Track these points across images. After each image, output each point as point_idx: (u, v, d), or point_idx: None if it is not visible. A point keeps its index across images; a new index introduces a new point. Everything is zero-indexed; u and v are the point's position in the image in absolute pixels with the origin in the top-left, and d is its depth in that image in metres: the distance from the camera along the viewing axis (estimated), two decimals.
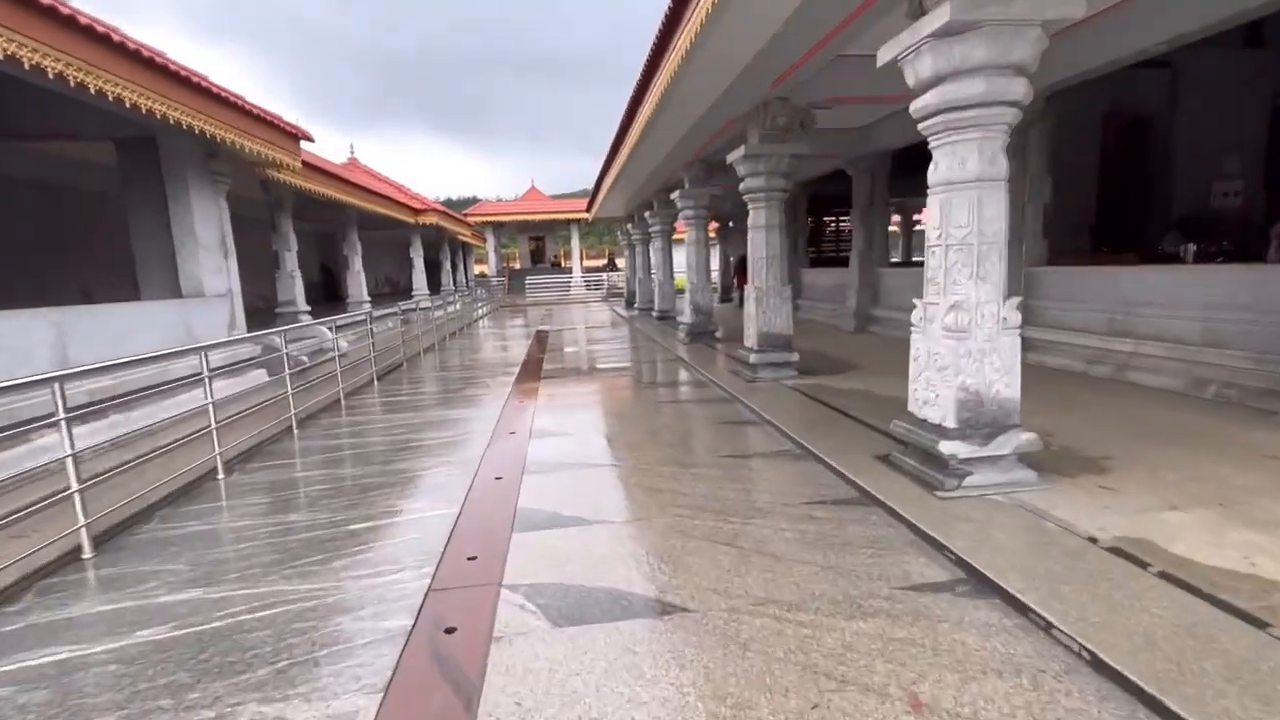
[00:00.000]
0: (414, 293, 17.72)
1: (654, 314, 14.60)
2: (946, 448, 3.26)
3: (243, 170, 7.80)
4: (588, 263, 36.36)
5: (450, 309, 15.57)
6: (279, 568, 2.99)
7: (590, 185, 23.62)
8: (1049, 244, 7.30)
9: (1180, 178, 9.06)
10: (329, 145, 19.85)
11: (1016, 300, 3.25)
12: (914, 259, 35.96)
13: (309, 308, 10.39)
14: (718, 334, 10.50)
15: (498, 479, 4.24)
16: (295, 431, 5.62)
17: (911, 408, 3.63)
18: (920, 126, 3.37)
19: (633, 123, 7.72)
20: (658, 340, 11.06)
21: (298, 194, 9.78)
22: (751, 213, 6.83)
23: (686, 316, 10.57)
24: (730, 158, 6.88)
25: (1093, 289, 6.22)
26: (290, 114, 13.91)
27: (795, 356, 6.78)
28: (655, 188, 13.12)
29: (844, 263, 16.26)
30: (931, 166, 3.35)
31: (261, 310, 15.49)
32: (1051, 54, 3.31)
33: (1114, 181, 9.58)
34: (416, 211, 16.97)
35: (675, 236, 14.93)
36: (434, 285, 21.99)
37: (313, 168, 9.18)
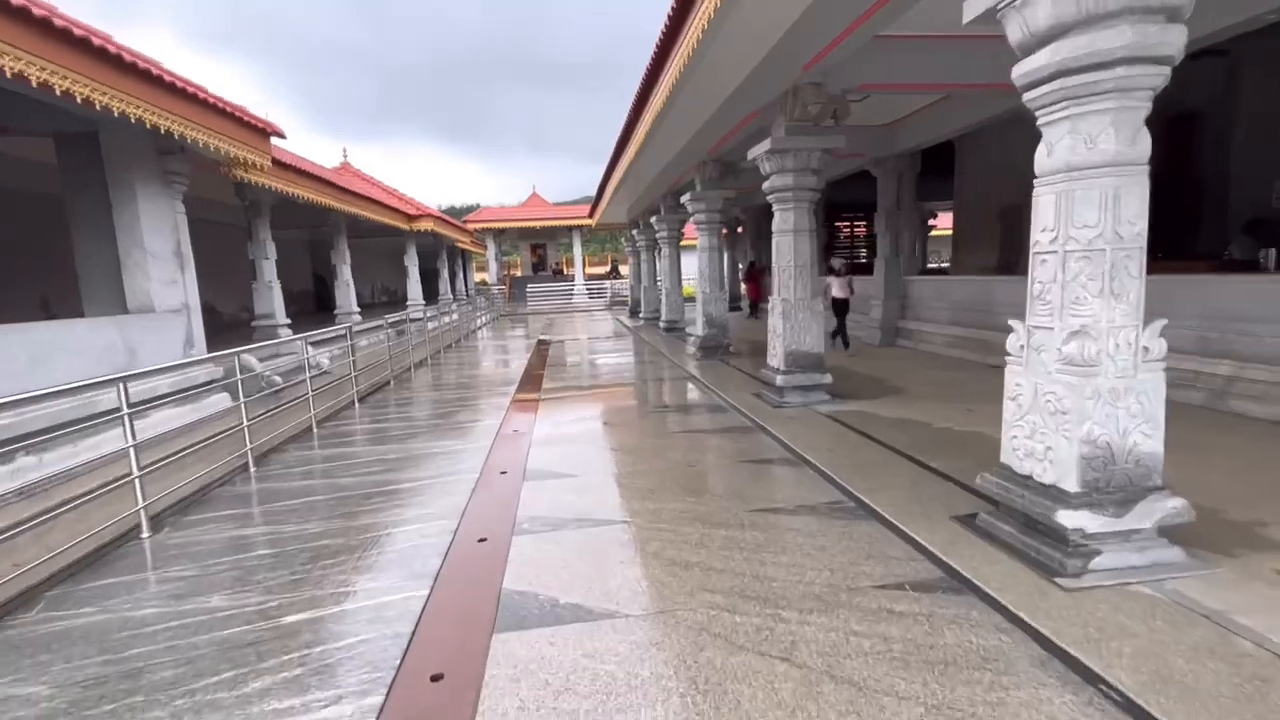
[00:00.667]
0: (409, 302, 16.89)
1: (661, 324, 13.84)
2: (1068, 519, 2.44)
3: (210, 171, 7.13)
4: (590, 270, 35.53)
5: (447, 319, 14.69)
6: (169, 693, 2.18)
7: (592, 193, 22.34)
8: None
9: (1238, 177, 8.32)
10: (331, 153, 19.16)
11: (1160, 324, 2.46)
12: (929, 266, 35.48)
13: (289, 321, 9.63)
14: (732, 348, 9.75)
15: (481, 541, 3.42)
16: (252, 469, 4.82)
17: (1007, 459, 2.80)
18: (1028, 97, 2.57)
19: (642, 113, 6.93)
20: (667, 354, 10.26)
21: (278, 198, 9.06)
22: (778, 215, 6.05)
23: (698, 329, 9.78)
24: (753, 153, 6.13)
25: (1176, 302, 5.32)
26: (292, 123, 13.23)
27: (828, 378, 5.98)
28: (663, 190, 12.41)
29: (867, 270, 15.56)
30: (1041, 150, 2.56)
31: (245, 324, 14.29)
32: None
33: (1162, 182, 8.86)
34: (411, 218, 16.22)
35: (683, 242, 14.20)
36: (432, 294, 21.20)
37: (292, 169, 8.46)
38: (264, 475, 4.79)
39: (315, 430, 6.01)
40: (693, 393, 7.40)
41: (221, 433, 5.23)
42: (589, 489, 4.15)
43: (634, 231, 17.64)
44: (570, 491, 4.12)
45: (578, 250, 28.67)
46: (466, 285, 34.58)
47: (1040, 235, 2.59)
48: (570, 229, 28.33)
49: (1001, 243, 10.59)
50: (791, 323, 6.00)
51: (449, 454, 5.15)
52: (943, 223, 30.37)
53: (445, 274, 21.87)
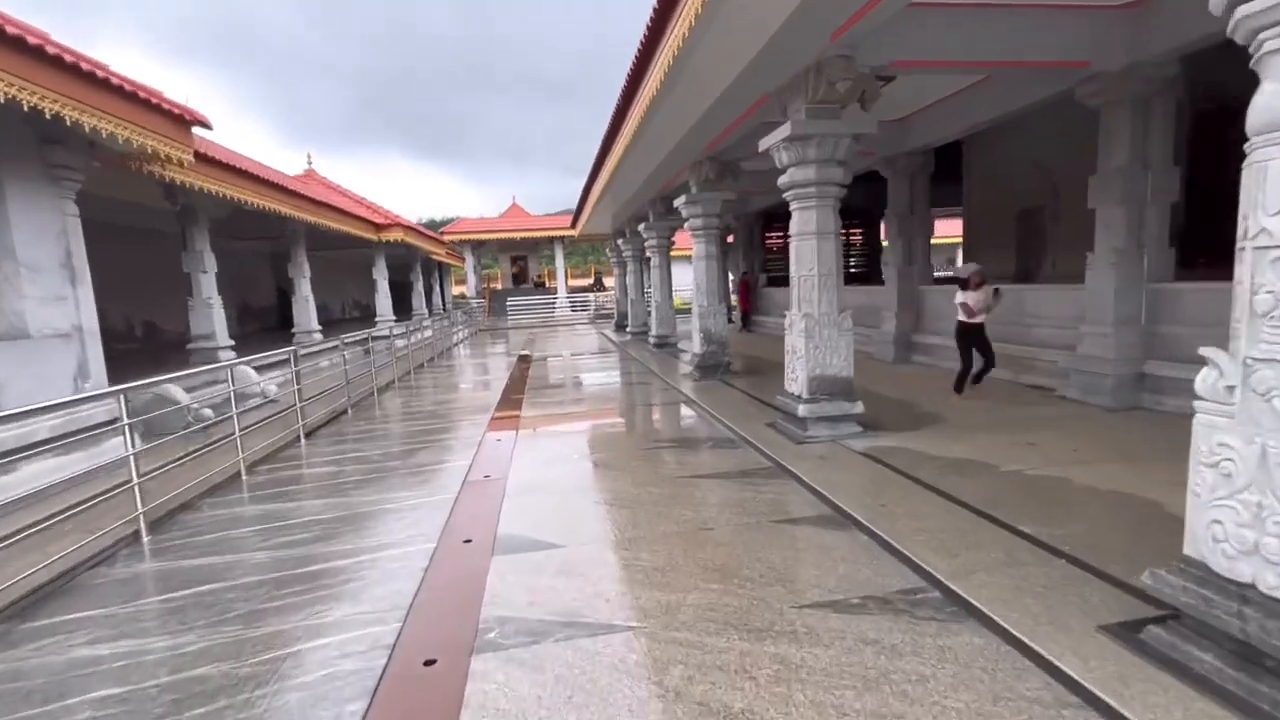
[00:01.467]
0: (377, 318, 15.68)
1: (650, 339, 12.75)
2: None
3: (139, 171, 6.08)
4: (573, 282, 34.43)
5: (421, 335, 13.62)
6: None
7: (573, 205, 21.00)
8: (1177, 254, 5.82)
9: None
10: (300, 164, 18.07)
11: None
12: (939, 276, 34.37)
13: (231, 343, 8.48)
14: (733, 367, 8.78)
15: (428, 665, 2.38)
16: (145, 540, 3.72)
17: (1201, 552, 1.88)
18: (1245, 12, 1.67)
19: (633, 102, 6.03)
20: (659, 374, 9.28)
21: (227, 205, 7.97)
22: (797, 215, 5.13)
23: (695, 345, 8.83)
24: (766, 142, 5.24)
25: None
26: (266, 136, 12.31)
27: (859, 407, 5.04)
28: (652, 194, 11.44)
29: (864, 279, 14.98)
30: (1269, 92, 1.67)
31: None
32: None
33: (1200, 181, 8.26)
34: (379, 227, 15.22)
35: (672, 252, 13.30)
36: (407, 309, 20.13)
37: (230, 168, 7.40)
38: (159, 548, 3.69)
39: (244, 478, 4.91)
40: (695, 422, 6.41)
41: (114, 489, 4.01)
42: (578, 568, 3.13)
43: (620, 241, 16.63)
44: (554, 572, 3.10)
45: (560, 262, 27.66)
46: (444, 299, 33.06)
47: (1271, 221, 1.68)
48: (552, 240, 27.28)
49: (1019, 247, 9.83)
50: (815, 342, 5.05)
51: (402, 511, 4.10)
52: (940, 229, 30.04)
53: (420, 287, 20.64)
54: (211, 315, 8.19)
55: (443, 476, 4.85)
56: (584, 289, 33.15)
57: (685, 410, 7.05)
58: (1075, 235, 7.34)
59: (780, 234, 16.43)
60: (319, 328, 11.92)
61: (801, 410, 4.98)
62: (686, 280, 17.46)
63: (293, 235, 11.31)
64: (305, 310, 11.84)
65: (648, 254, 12.77)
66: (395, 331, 13.32)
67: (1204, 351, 1.90)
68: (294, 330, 11.83)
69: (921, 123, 8.38)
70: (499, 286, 35.09)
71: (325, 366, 10.65)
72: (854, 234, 16.07)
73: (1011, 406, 5.88)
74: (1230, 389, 1.82)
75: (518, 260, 35.05)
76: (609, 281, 39.19)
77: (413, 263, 19.46)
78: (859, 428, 5.04)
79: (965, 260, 11.91)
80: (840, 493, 3.76)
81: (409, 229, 16.14)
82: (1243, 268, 1.78)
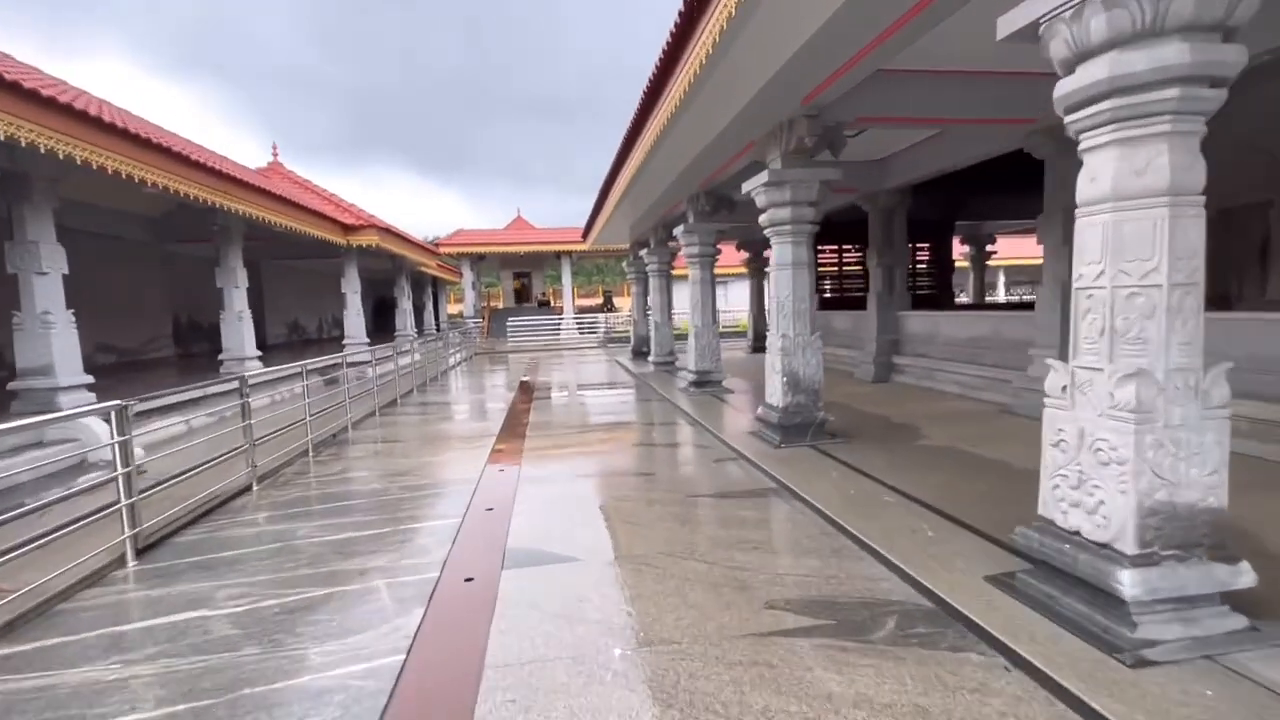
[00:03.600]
0: (346, 340, 12.96)
1: (687, 375, 9.54)
2: (1126, 582, 2.19)
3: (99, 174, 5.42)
4: (580, 302, 32.57)
5: (406, 361, 11.19)
6: None
7: (578, 223, 20.04)
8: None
9: None
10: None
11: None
12: (1003, 299, 32.98)
13: (89, 380, 6.19)
14: (828, 419, 5.76)
15: None
16: None
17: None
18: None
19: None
20: (714, 432, 6.32)
21: (115, 185, 6.11)
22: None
23: (776, 396, 5.78)
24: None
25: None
26: (263, 150, 12.10)
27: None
28: (694, 188, 9.50)
29: (932, 303, 12.89)
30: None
31: (145, 364, 11.04)
32: None
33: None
34: (348, 228, 12.25)
35: (720, 269, 12.15)
36: (390, 328, 18.31)
37: (77, 116, 5.24)
38: None
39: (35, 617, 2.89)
40: (820, 543, 3.50)
41: None
42: None
43: (643, 252, 13.38)
44: None
45: (566, 279, 25.82)
46: (437, 318, 30.22)
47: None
48: (558, 255, 25.35)
49: (1214, 259, 7.70)
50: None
51: (316, 698, 2.25)
52: (1012, 249, 26.85)
53: (405, 304, 17.61)
54: (49, 341, 5.81)
55: (396, 604, 2.97)
56: (592, 309, 31.65)
57: (788, 510, 4.11)
58: None
59: (835, 248, 13.97)
60: (256, 354, 9.33)
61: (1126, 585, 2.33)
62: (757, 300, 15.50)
63: (221, 233, 8.92)
64: (238, 332, 9.05)
65: (692, 265, 9.44)
66: (363, 357, 11.02)
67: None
68: (223, 357, 9.12)
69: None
70: (500, 305, 33.51)
71: (261, 407, 8.33)
72: (920, 249, 13.49)
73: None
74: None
75: (520, 277, 33.81)
76: (621, 302, 37.37)
77: (397, 276, 17.36)
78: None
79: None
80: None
81: (386, 232, 13.67)
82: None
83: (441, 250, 24.03)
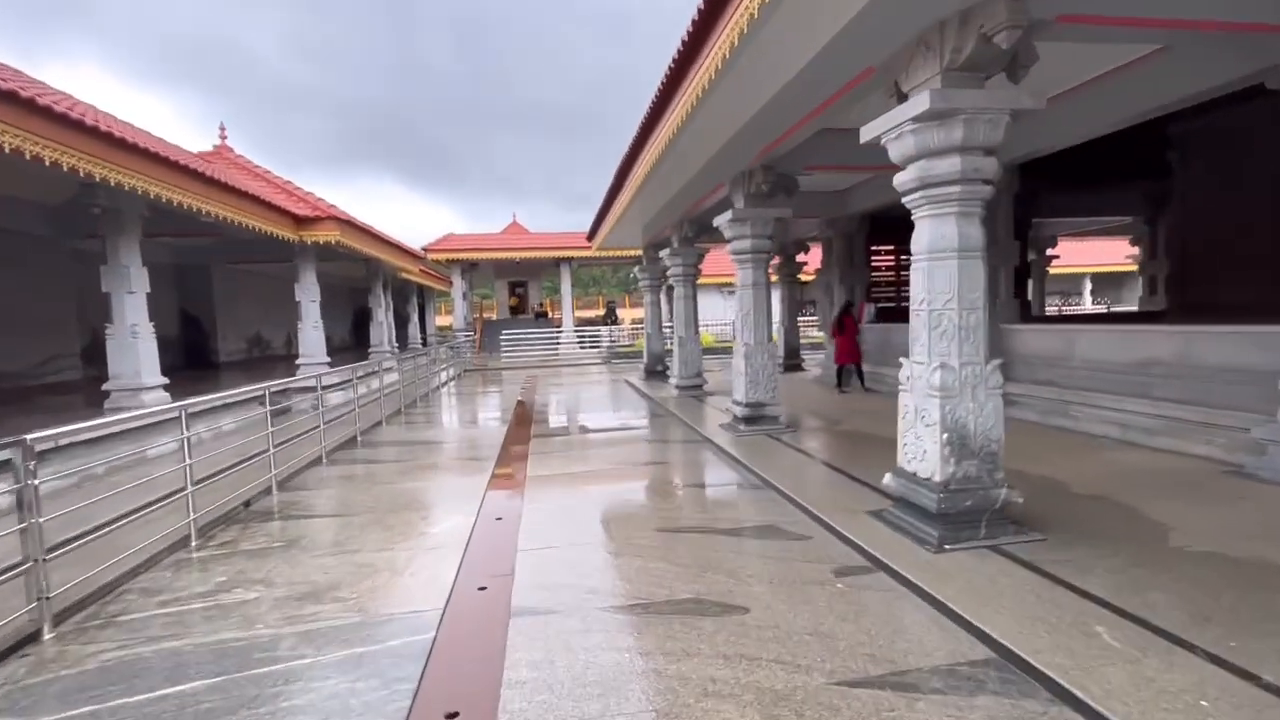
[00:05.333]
0: (300, 359, 11.87)
1: (738, 407, 7.87)
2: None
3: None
4: (579, 314, 32.30)
5: (380, 382, 10.42)
6: None
7: (580, 235, 19.47)
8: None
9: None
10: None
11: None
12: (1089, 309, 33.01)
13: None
14: (1012, 498, 3.97)
15: None
16: None
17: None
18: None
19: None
20: (848, 536, 4.25)
21: None
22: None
23: (934, 468, 3.96)
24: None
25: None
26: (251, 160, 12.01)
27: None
28: (693, 201, 10.13)
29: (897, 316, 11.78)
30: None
31: (42, 390, 9.73)
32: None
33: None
34: (301, 221, 10.77)
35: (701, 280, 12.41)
36: (366, 341, 17.65)
37: None
38: None
39: None
40: None
41: None
42: None
43: (664, 254, 11.97)
44: None
45: (566, 288, 25.46)
46: (424, 331, 29.70)
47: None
48: (558, 263, 25.02)
49: None
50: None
51: None
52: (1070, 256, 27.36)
53: (383, 315, 16.55)
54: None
55: None
56: (593, 322, 31.77)
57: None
58: None
59: (893, 246, 12.92)
60: (158, 382, 7.90)
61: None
62: (715, 313, 16.41)
63: (107, 218, 7.42)
64: (131, 352, 7.61)
65: (743, 264, 7.79)
66: (332, 381, 10.19)
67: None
68: (109, 386, 7.74)
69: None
70: (494, 316, 33.78)
71: (167, 454, 6.96)
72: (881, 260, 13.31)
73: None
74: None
75: (516, 287, 34.27)
76: (625, 314, 37.77)
77: (373, 282, 16.52)
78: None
79: (1151, 293, 11.32)
80: None
81: (349, 225, 12.00)
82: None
83: (430, 256, 23.56)
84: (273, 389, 6.22)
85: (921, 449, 4.01)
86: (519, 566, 4.01)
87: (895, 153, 4.02)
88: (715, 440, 7.46)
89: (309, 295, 11.99)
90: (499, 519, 5.10)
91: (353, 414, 8.91)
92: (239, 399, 7.72)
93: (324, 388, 8.16)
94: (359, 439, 8.63)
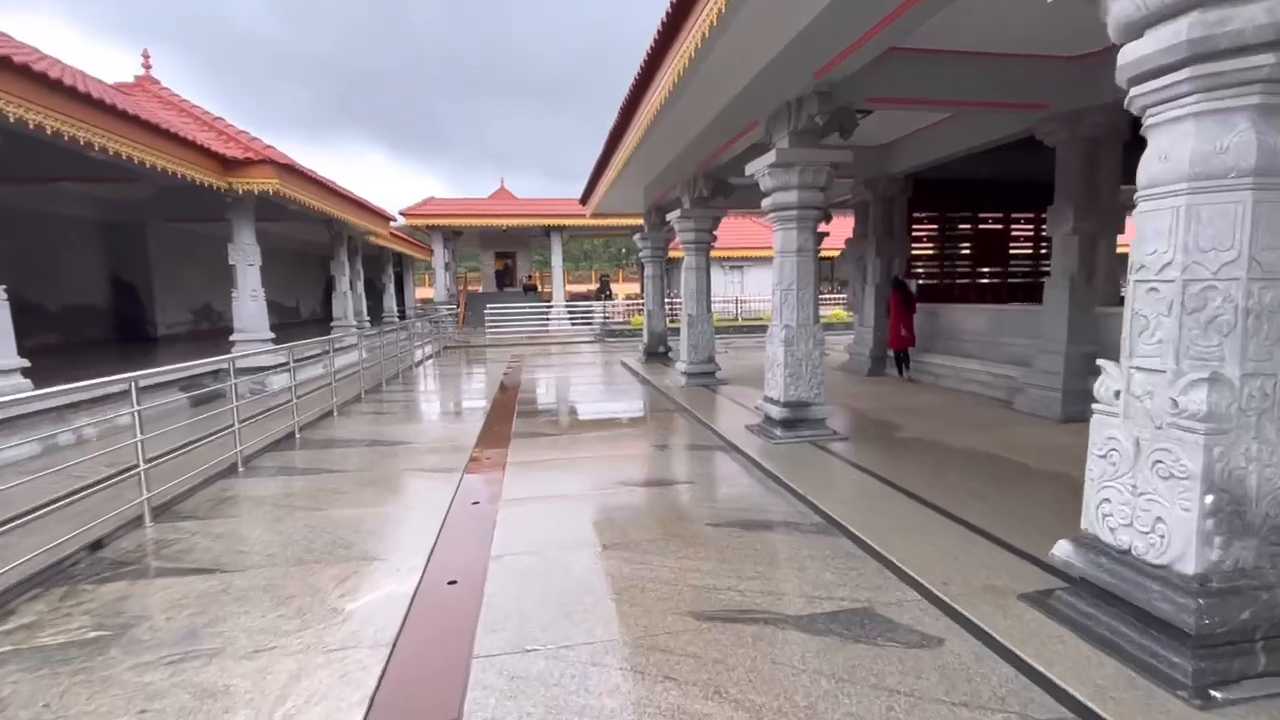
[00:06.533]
0: (235, 335, 9.98)
1: (774, 407, 6.22)
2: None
3: None
4: (571, 288, 31.15)
5: (331, 365, 8.63)
6: None
7: (570, 204, 20.04)
8: None
9: None
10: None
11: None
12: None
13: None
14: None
15: None
16: None
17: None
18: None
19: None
20: (1022, 658, 2.54)
21: None
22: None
23: (1186, 555, 2.30)
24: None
25: None
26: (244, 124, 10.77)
27: None
28: (712, 150, 8.41)
29: (1031, 294, 10.41)
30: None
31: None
32: None
33: None
34: (228, 165, 8.87)
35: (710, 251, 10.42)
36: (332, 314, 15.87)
37: None
38: None
39: None
40: None
41: None
42: None
43: (673, 216, 10.40)
44: None
45: (557, 260, 23.76)
46: (402, 304, 28.36)
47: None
48: (548, 232, 23.67)
49: None
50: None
51: None
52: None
53: (346, 285, 14.90)
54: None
55: None
56: (586, 297, 30.26)
57: None
58: None
59: (938, 213, 11.02)
60: (17, 364, 6.27)
61: None
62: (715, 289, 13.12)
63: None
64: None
65: (785, 222, 6.06)
66: (274, 363, 9.31)
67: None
68: None
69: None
70: (480, 289, 32.12)
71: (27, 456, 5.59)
72: (1019, 227, 11.33)
73: None
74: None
75: (503, 258, 32.36)
76: (619, 289, 36.37)
77: (335, 246, 14.77)
78: None
79: None
80: None
81: (291, 172, 9.99)
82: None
83: (408, 222, 22.21)
84: (141, 381, 4.48)
85: (1152, 516, 2.40)
86: (473, 703, 2.41)
87: None
88: (744, 449, 5.76)
89: (245, 257, 10.10)
90: (452, 582, 3.52)
91: (294, 403, 7.17)
92: (105, 391, 6.06)
93: (240, 371, 6.72)
94: (298, 436, 7.00)
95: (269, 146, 9.81)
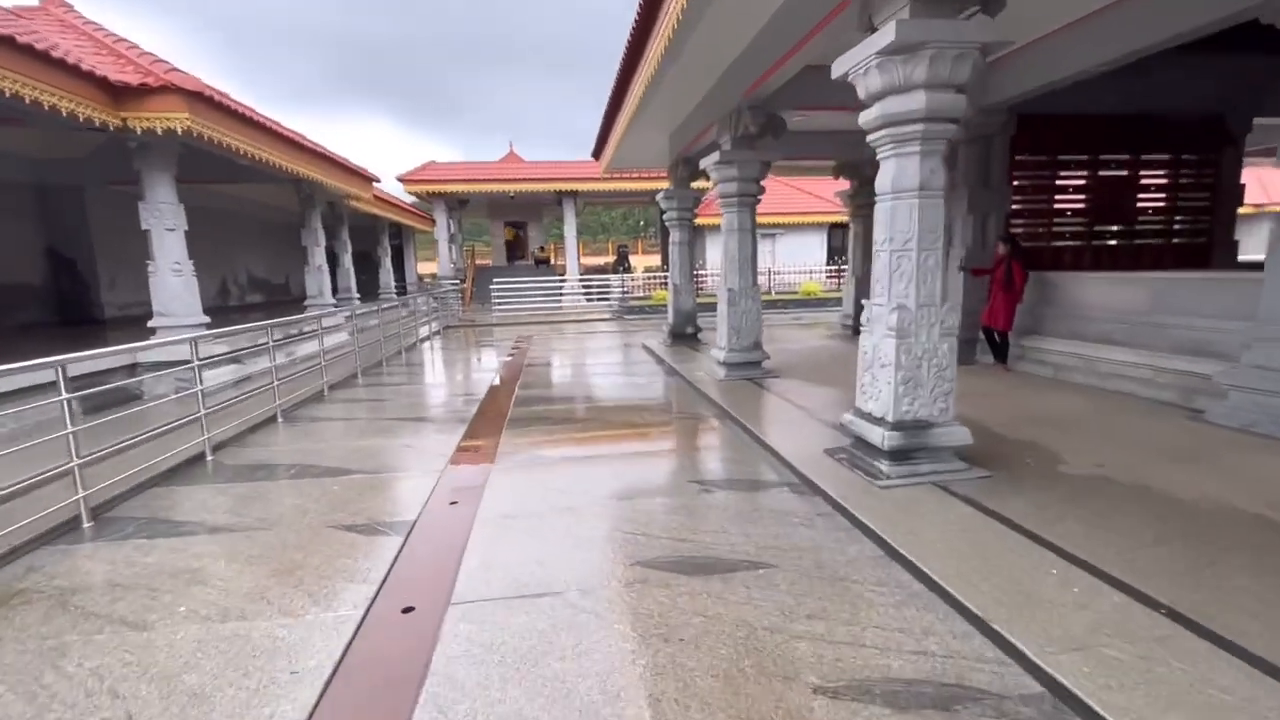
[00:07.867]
0: (156, 320, 7.95)
1: (879, 429, 4.14)
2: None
3: None
4: (586, 260, 29.05)
5: (307, 349, 7.65)
6: None
7: (584, 167, 18.07)
8: None
9: None
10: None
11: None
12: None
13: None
14: None
15: None
16: None
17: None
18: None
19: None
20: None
21: None
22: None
23: None
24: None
25: None
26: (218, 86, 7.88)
27: None
28: (763, 69, 6.60)
29: (1192, 257, 8.83)
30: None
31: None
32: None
33: None
34: (120, 94, 6.72)
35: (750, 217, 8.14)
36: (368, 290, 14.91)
37: None
38: None
39: None
40: None
41: None
42: None
43: (708, 162, 7.95)
44: None
45: (570, 229, 21.56)
46: (403, 279, 26.21)
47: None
48: (560, 199, 21.52)
49: None
50: None
51: None
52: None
53: (322, 258, 12.51)
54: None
55: None
56: (602, 270, 28.38)
57: None
58: None
59: (1047, 157, 8.61)
60: None
61: None
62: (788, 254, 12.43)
63: None
64: None
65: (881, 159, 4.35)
66: (210, 355, 7.14)
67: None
68: None
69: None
70: (489, 263, 29.86)
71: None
72: (1150, 173, 8.81)
73: None
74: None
75: (513, 227, 30.27)
76: (638, 260, 33.28)
77: (307, 211, 12.20)
78: None
79: None
80: None
81: (208, 104, 7.35)
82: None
83: (406, 188, 20.29)
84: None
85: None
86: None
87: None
88: (834, 495, 3.94)
89: (163, 219, 7.71)
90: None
91: (203, 416, 5.39)
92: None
93: (152, 366, 6.07)
94: (209, 459, 5.26)
95: (174, 69, 7.27)
